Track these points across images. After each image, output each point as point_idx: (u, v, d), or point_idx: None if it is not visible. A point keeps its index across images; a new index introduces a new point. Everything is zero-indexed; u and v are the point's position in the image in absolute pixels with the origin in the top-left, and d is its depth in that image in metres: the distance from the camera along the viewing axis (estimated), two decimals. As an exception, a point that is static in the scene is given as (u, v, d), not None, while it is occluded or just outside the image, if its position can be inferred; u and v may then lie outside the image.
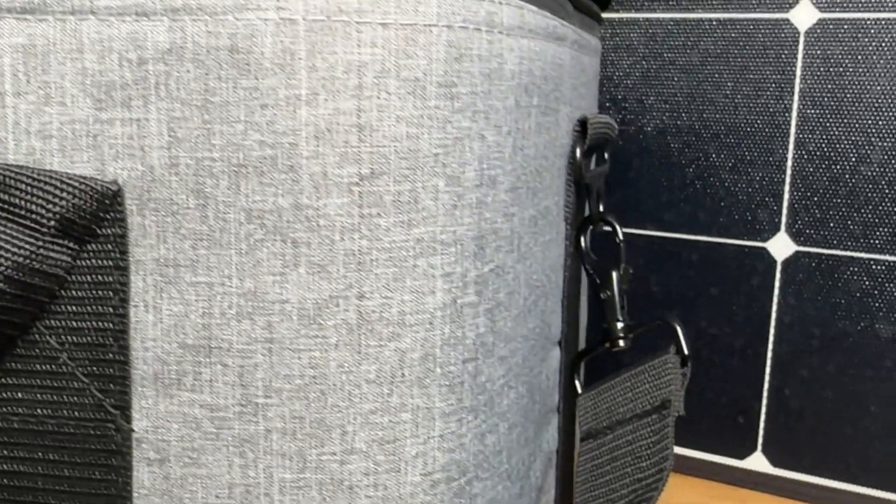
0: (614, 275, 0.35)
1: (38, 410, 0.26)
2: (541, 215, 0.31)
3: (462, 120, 0.26)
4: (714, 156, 0.53)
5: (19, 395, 0.26)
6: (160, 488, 0.26)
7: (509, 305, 0.29)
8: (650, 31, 0.53)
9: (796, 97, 0.50)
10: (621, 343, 0.35)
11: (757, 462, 0.53)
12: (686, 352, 0.33)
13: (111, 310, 0.26)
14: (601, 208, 0.36)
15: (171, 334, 0.25)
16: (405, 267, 0.25)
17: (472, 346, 0.27)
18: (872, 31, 0.48)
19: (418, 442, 0.26)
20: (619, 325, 0.35)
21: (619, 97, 0.54)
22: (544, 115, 0.30)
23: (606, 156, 0.37)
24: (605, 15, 0.54)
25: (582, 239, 0.36)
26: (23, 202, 0.25)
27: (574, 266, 0.36)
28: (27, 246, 0.25)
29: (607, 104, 0.55)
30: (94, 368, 0.26)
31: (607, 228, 0.36)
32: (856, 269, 0.50)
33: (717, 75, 0.52)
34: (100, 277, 0.25)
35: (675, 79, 0.53)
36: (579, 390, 0.37)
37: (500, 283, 0.28)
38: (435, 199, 0.25)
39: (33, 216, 0.25)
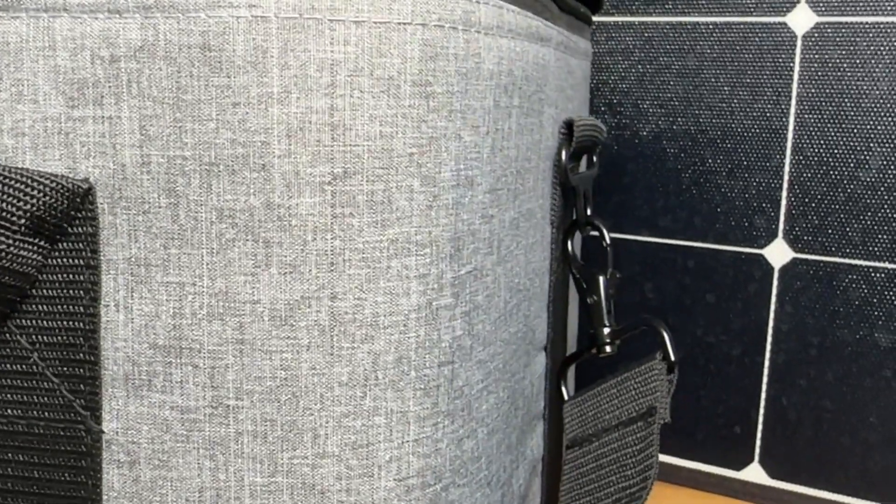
0: (601, 279, 0.35)
1: (8, 411, 0.26)
2: (523, 218, 0.31)
3: (437, 119, 0.26)
4: (710, 161, 0.53)
5: (-11, 395, 0.26)
6: (130, 491, 0.26)
7: (488, 308, 0.29)
8: (646, 34, 0.53)
9: (793, 102, 0.50)
10: (608, 349, 0.35)
11: (754, 473, 0.53)
12: (672, 357, 0.33)
13: (82, 309, 0.26)
14: (589, 212, 0.36)
15: (141, 334, 0.25)
16: (379, 268, 0.25)
17: (448, 349, 0.27)
18: (871, 34, 0.48)
19: (392, 446, 0.26)
20: (606, 330, 0.35)
21: (615, 101, 0.54)
22: (526, 117, 0.30)
23: (595, 159, 0.37)
24: (599, 19, 0.54)
25: (569, 243, 0.36)
26: (-7, 200, 0.25)
27: (561, 270, 0.36)
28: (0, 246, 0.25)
29: (602, 108, 0.55)
30: (65, 369, 0.26)
31: (594, 233, 0.36)
32: (855, 276, 0.50)
33: (713, 79, 0.52)
34: (70, 276, 0.26)
35: (671, 83, 0.53)
36: (566, 397, 0.37)
37: (479, 286, 0.28)
38: (410, 199, 0.25)
39: (3, 214, 0.25)
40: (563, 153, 0.34)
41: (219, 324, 0.25)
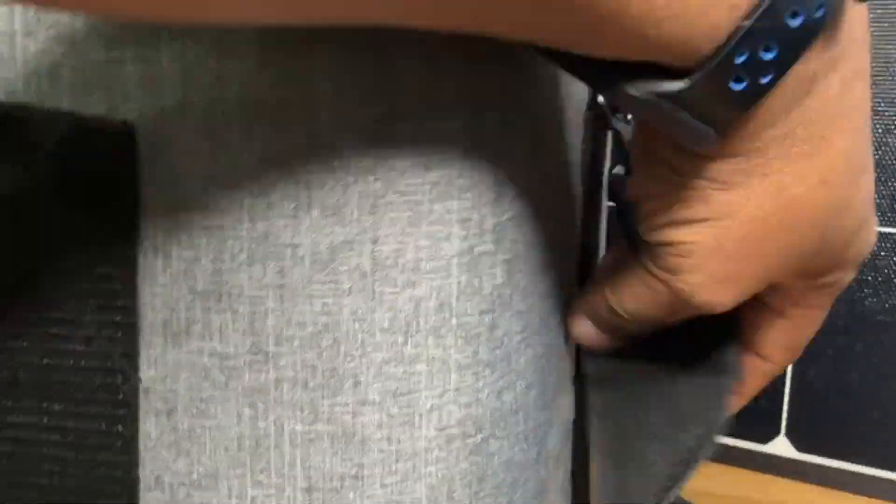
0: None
1: (44, 360, 0.26)
2: (559, 168, 0.31)
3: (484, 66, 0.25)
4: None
5: (24, 343, 0.26)
6: (168, 440, 0.26)
7: (528, 259, 0.28)
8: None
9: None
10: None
11: (780, 446, 0.53)
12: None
13: (120, 253, 0.25)
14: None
15: (180, 280, 0.25)
16: (421, 211, 0.25)
17: (489, 297, 0.27)
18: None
19: (433, 395, 0.26)
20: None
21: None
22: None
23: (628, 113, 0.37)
24: None
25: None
26: (35, 141, 0.25)
27: (592, 229, 0.36)
28: (42, 187, 0.24)
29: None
30: (101, 315, 0.26)
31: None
32: (884, 244, 0.49)
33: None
34: (108, 220, 0.25)
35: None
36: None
37: (519, 234, 0.28)
38: (453, 141, 0.25)
39: (43, 154, 0.25)
40: (598, 106, 0.34)
41: (259, 268, 0.25)
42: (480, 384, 0.27)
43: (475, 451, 0.27)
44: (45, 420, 0.26)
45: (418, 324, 0.25)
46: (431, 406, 0.26)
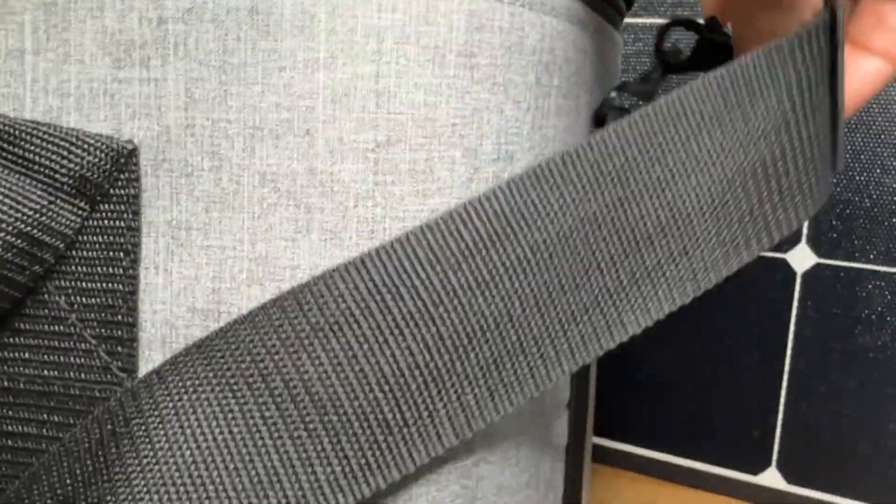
0: None
1: (45, 371, 0.26)
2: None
3: (481, 91, 0.26)
4: (735, 164, 0.53)
5: (26, 354, 0.26)
6: (163, 455, 0.26)
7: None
8: (672, 38, 0.53)
9: (820, 107, 0.50)
10: None
11: (771, 478, 0.53)
12: None
13: (121, 271, 0.26)
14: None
15: (180, 298, 0.25)
16: (419, 237, 0.25)
17: (483, 322, 0.27)
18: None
19: (426, 417, 0.26)
20: None
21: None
22: (564, 98, 0.30)
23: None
24: (628, 20, 0.54)
25: None
26: (37, 158, 0.25)
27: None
28: (40, 201, 0.25)
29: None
30: (103, 330, 0.26)
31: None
32: (878, 282, 0.49)
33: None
34: (111, 238, 0.26)
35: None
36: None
37: None
38: (451, 170, 0.25)
39: (47, 172, 0.25)
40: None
41: (258, 289, 0.25)
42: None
43: (465, 475, 0.27)
44: (45, 430, 0.26)
45: (413, 347, 0.26)
46: (423, 429, 0.26)
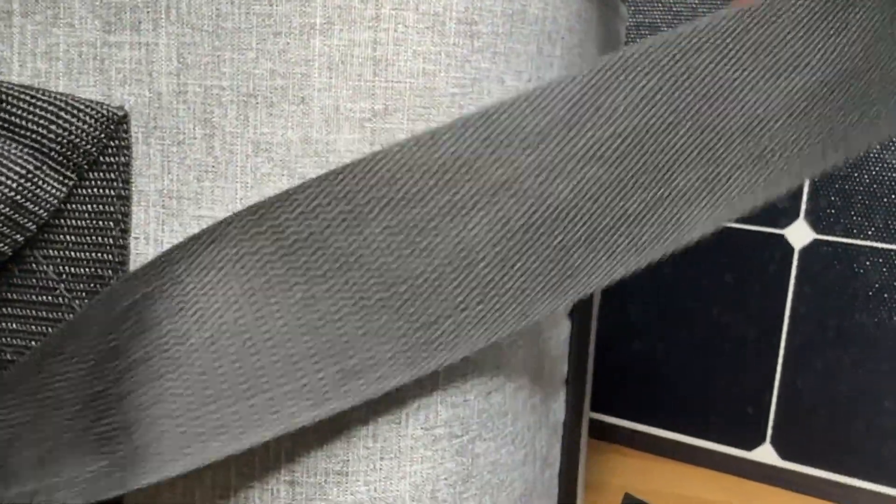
0: None
1: (33, 342, 0.25)
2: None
3: (481, 60, 0.25)
4: (735, 140, 0.51)
5: (13, 325, 0.25)
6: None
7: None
8: (674, 9, 0.52)
9: (822, 83, 0.49)
10: None
11: (765, 454, 0.52)
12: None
13: (111, 241, 0.25)
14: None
15: (171, 269, 0.24)
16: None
17: (481, 298, 0.26)
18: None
19: (421, 394, 0.25)
20: None
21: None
22: (567, 70, 0.29)
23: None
24: (630, -7, 0.53)
25: None
26: (24, 122, 0.24)
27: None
28: (25, 167, 0.24)
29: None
30: (91, 301, 0.25)
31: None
32: (876, 259, 0.49)
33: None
34: (100, 207, 0.25)
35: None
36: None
37: None
38: None
39: (34, 137, 0.24)
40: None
41: (250, 260, 0.24)
42: (469, 385, 0.26)
43: (461, 452, 0.26)
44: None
45: (409, 322, 0.25)
46: (418, 405, 0.25)
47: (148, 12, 0.24)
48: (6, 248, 0.24)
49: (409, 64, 0.23)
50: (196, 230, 0.24)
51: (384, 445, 0.25)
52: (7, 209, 0.23)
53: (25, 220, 0.24)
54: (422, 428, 0.25)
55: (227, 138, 0.24)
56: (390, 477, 0.25)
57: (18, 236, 0.24)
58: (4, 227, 0.24)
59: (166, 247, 0.24)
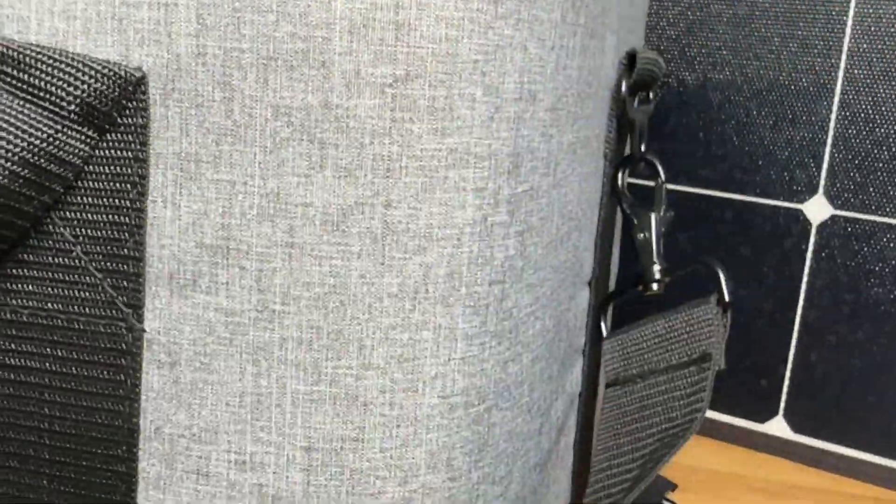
0: (653, 216, 0.33)
1: (49, 304, 0.25)
2: (580, 144, 0.29)
3: (505, 27, 0.24)
4: (755, 112, 0.50)
5: (30, 287, 0.25)
6: (169, 392, 0.25)
7: (541, 232, 0.27)
8: (699, -19, 0.51)
9: (844, 56, 0.48)
10: (655, 287, 0.33)
11: (777, 427, 0.51)
12: (728, 299, 0.31)
13: (128, 203, 0.24)
14: (643, 148, 0.34)
15: (188, 232, 0.24)
16: (435, 178, 0.24)
17: (500, 268, 0.25)
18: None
19: (438, 363, 0.25)
20: (656, 267, 0.33)
21: (662, 47, 0.52)
22: (590, 38, 0.28)
23: (652, 95, 0.35)
24: (653, -38, 0.51)
25: (620, 177, 0.34)
26: (43, 84, 0.23)
27: (610, 205, 0.34)
28: (46, 129, 0.23)
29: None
30: (108, 264, 0.24)
31: (643, 183, 0.34)
32: (893, 236, 0.48)
33: (763, 29, 0.49)
34: (118, 169, 0.24)
35: (721, 31, 0.50)
36: (605, 333, 0.35)
37: (534, 207, 0.26)
38: (471, 108, 0.24)
39: (53, 99, 0.23)
40: (623, 84, 0.32)
41: (269, 225, 0.23)
42: (486, 354, 0.25)
43: (477, 421, 0.26)
44: (48, 365, 0.25)
45: (427, 291, 0.24)
46: (436, 374, 0.25)
47: (167, -28, 0.23)
48: (34, 210, 0.23)
49: (431, 29, 0.23)
50: (214, 194, 0.24)
51: (400, 413, 0.24)
52: (31, 173, 0.23)
53: (51, 183, 0.23)
54: (438, 396, 0.25)
55: (246, 101, 0.23)
56: (406, 444, 0.25)
57: (45, 197, 0.24)
58: (31, 191, 0.23)
59: (184, 210, 0.24)
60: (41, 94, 0.23)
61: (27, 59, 0.23)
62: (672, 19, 0.52)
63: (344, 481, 0.24)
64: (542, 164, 0.26)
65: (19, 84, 0.23)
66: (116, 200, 0.24)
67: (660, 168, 0.34)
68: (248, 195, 0.23)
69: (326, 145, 0.23)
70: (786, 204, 0.50)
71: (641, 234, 0.34)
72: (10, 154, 0.22)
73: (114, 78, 0.23)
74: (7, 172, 0.23)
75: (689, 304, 0.32)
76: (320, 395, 0.24)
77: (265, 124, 0.23)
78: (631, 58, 0.33)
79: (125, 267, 0.24)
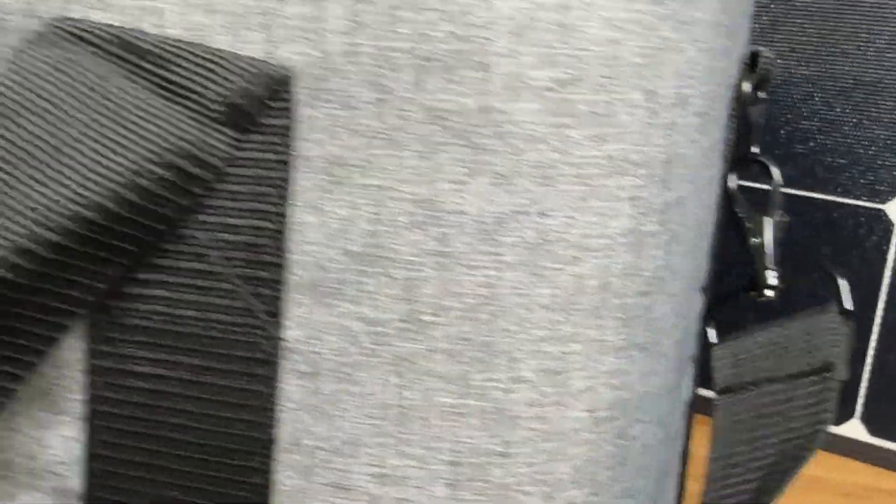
0: (768, 221, 0.32)
1: (183, 311, 0.24)
2: (711, 148, 0.28)
3: (666, 29, 0.23)
4: (838, 110, 0.49)
5: (163, 292, 0.24)
6: (310, 403, 0.24)
7: (682, 240, 0.26)
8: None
9: (935, 54, 0.46)
10: (770, 293, 0.32)
11: (853, 429, 0.50)
12: (851, 308, 0.30)
13: (270, 208, 0.23)
14: (757, 149, 0.33)
15: (334, 239, 0.23)
16: (593, 186, 0.22)
17: (649, 278, 0.24)
18: None
19: (587, 376, 0.23)
20: (772, 273, 0.32)
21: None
22: (728, 39, 0.27)
23: (765, 95, 0.34)
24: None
25: (732, 178, 0.33)
26: (186, 82, 0.22)
27: (724, 209, 0.33)
28: (189, 129, 0.22)
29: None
30: (247, 270, 0.23)
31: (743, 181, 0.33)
32: (984, 238, 0.46)
33: (850, 25, 0.48)
34: (260, 171, 0.23)
35: (806, 25, 0.49)
36: (713, 339, 0.34)
37: (678, 214, 0.25)
38: (631, 113, 0.22)
39: (196, 97, 0.22)
40: (746, 84, 0.31)
41: (419, 233, 0.22)
42: (632, 367, 0.24)
43: (621, 435, 0.25)
44: (181, 373, 0.24)
45: (579, 302, 0.23)
46: (585, 387, 0.24)
47: (321, -32, 0.22)
48: (170, 214, 0.22)
49: (596, 31, 0.22)
50: (362, 200, 0.22)
51: (548, 428, 0.23)
52: (173, 174, 0.22)
53: (191, 186, 0.22)
54: (586, 410, 0.24)
55: (399, 103, 0.22)
56: (553, 459, 0.24)
57: (185, 201, 0.22)
58: (170, 193, 0.22)
59: (329, 216, 0.23)
60: (183, 91, 0.22)
61: (170, 54, 0.22)
62: (756, 12, 0.50)
63: (489, 496, 0.24)
64: (688, 172, 0.25)
65: (160, 81, 0.22)
66: (257, 204, 0.23)
67: (773, 169, 0.33)
68: (398, 201, 0.22)
69: (483, 150, 0.22)
70: (868, 203, 0.49)
71: (755, 239, 0.32)
72: (153, 155, 0.21)
73: (261, 76, 0.22)
74: (149, 174, 0.22)
75: (807, 312, 0.31)
76: (467, 408, 0.23)
77: (419, 127, 0.22)
78: (753, 57, 0.32)
79: (265, 273, 0.23)
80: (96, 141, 0.21)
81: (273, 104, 0.22)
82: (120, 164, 0.21)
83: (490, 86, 0.22)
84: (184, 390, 0.24)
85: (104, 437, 0.25)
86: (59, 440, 0.25)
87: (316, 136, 0.22)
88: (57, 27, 0.22)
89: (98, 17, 0.23)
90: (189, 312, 0.24)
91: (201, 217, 0.23)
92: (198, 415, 0.24)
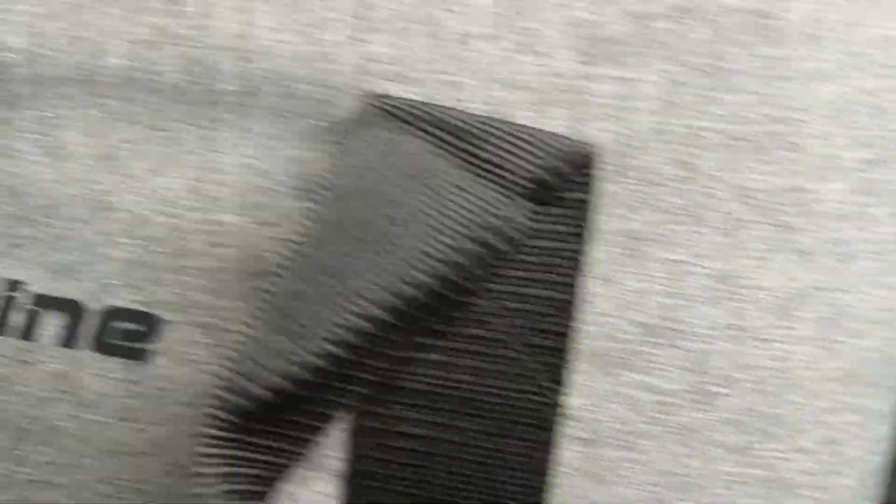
0: None
1: (460, 375, 0.24)
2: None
3: None
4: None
5: (441, 357, 0.24)
6: (588, 469, 0.24)
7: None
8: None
9: None
10: None
11: None
12: None
13: (560, 279, 0.23)
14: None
15: (626, 311, 0.23)
16: (888, 262, 0.23)
17: (916, 346, 0.24)
18: None
19: (861, 445, 0.24)
20: None
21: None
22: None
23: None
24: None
25: None
26: (495, 158, 0.22)
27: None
28: (494, 204, 0.22)
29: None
30: (532, 339, 0.23)
31: None
32: None
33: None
34: (554, 243, 0.23)
35: None
36: None
37: None
38: None
39: (500, 172, 0.22)
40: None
41: (714, 307, 0.22)
42: (892, 433, 0.25)
43: (871, 500, 0.25)
44: (458, 436, 0.24)
45: (861, 374, 0.23)
46: (856, 456, 0.24)
47: (636, 46, 0.21)
48: (470, 286, 0.22)
49: None
50: (659, 273, 0.22)
51: (822, 496, 0.24)
52: (476, 245, 0.22)
53: (488, 257, 0.22)
54: (856, 479, 0.24)
55: (706, 182, 0.22)
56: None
57: (481, 272, 0.22)
58: (471, 264, 0.22)
59: (622, 288, 0.23)
60: (488, 166, 0.22)
61: (477, 130, 0.22)
62: None
63: (766, 562, 0.24)
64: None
65: (467, 157, 0.22)
66: (549, 275, 0.23)
67: None
68: (696, 276, 0.22)
69: (787, 228, 0.22)
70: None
71: None
72: (469, 232, 0.21)
73: (570, 154, 0.22)
74: (458, 247, 0.21)
75: None
76: (750, 477, 0.23)
77: (723, 205, 0.22)
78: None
79: (550, 342, 0.23)
80: (422, 223, 0.21)
81: (576, 179, 0.22)
82: (442, 243, 0.21)
83: (801, 166, 0.22)
84: (459, 453, 0.24)
85: (367, 497, 0.25)
86: (313, 495, 0.25)
87: (616, 211, 0.22)
88: (372, 105, 0.22)
89: (397, 89, 0.22)
90: (466, 377, 0.24)
91: (489, 285, 0.23)
92: (473, 478, 0.24)
